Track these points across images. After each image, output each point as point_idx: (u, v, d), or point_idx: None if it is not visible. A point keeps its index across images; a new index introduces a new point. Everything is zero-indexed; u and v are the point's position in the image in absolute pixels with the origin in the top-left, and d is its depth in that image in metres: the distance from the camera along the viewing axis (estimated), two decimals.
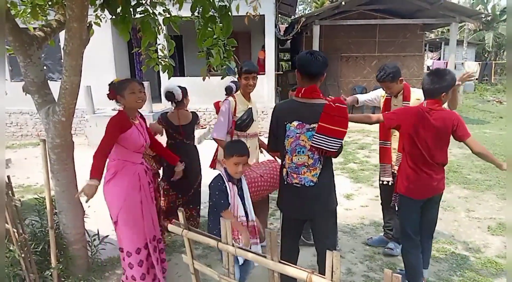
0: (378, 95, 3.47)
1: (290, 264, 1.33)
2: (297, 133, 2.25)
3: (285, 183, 2.35)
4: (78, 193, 2.48)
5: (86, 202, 2.41)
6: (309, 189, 2.28)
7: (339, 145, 2.22)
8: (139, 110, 2.85)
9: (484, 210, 4.37)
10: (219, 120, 3.24)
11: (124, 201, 2.64)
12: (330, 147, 2.19)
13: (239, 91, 3.35)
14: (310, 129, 2.23)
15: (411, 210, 2.70)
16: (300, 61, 2.27)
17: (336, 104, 2.20)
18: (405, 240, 2.75)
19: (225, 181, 2.39)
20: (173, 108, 3.71)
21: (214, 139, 3.28)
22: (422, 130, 2.52)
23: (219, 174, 2.45)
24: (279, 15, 13.11)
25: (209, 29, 2.51)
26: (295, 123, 2.25)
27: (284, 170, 2.34)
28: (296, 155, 2.26)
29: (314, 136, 2.20)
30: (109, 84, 2.76)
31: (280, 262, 1.37)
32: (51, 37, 2.96)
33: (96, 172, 2.46)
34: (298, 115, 2.26)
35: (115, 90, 2.71)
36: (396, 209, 2.89)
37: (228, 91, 3.49)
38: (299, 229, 2.56)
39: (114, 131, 2.59)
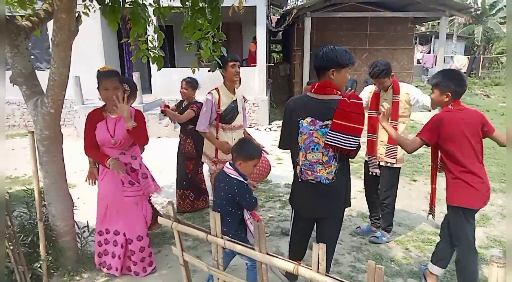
0: (366, 94, 3.44)
1: (277, 256, 1.36)
2: (311, 130, 2.17)
3: (299, 180, 2.28)
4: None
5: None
6: (325, 186, 2.21)
7: (357, 143, 2.12)
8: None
9: None
10: (201, 113, 3.26)
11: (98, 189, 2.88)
12: (347, 144, 2.09)
13: (222, 83, 3.33)
14: (323, 127, 2.15)
15: (468, 220, 2.51)
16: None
17: (351, 100, 2.11)
18: (468, 250, 2.56)
19: (245, 182, 2.41)
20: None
21: (199, 132, 3.32)
22: (463, 132, 2.38)
23: (234, 177, 2.36)
24: (271, 6, 13.02)
25: (198, 21, 2.49)
26: (308, 119, 2.18)
27: (298, 167, 2.26)
28: (310, 152, 2.19)
29: (329, 134, 2.11)
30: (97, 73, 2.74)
31: (267, 254, 1.40)
32: (38, 27, 2.90)
33: (102, 160, 2.67)
34: (311, 111, 2.18)
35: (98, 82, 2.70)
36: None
37: None
38: (310, 228, 2.49)
39: (88, 124, 2.73)
